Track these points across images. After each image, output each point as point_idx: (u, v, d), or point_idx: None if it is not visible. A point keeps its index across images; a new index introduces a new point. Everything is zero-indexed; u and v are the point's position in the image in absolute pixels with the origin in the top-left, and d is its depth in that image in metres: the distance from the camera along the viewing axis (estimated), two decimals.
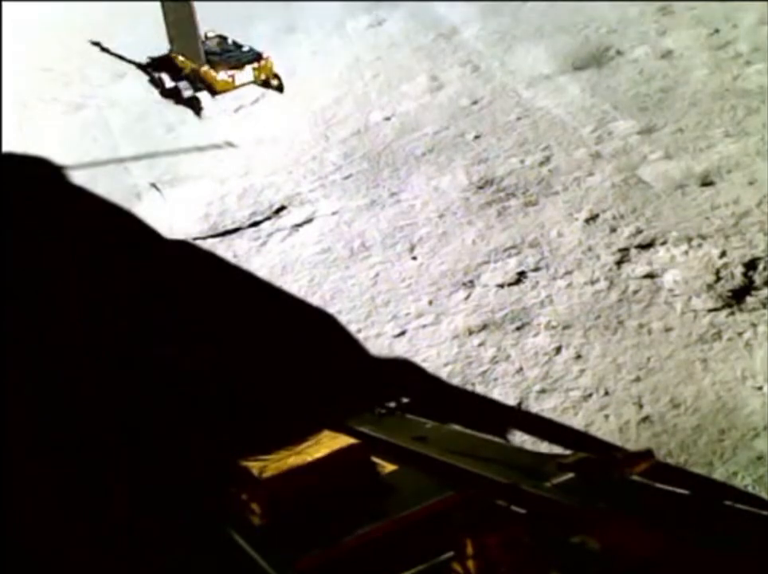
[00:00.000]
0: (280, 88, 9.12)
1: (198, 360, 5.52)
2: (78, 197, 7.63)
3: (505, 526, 2.40)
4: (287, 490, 2.97)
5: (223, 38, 9.35)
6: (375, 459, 3.20)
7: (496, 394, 4.93)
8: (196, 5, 9.67)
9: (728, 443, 4.35)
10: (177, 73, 9.15)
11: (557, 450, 4.26)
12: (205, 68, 8.93)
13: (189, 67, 9.01)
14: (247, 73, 9.01)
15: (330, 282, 6.14)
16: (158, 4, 9.99)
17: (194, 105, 8.92)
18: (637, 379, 4.86)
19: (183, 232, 7.03)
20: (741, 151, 6.78)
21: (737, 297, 5.33)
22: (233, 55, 9.06)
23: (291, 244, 6.65)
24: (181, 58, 9.14)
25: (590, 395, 4.80)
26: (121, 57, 9.89)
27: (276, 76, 9.10)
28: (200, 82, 8.95)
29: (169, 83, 9.12)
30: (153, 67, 9.51)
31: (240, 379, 5.31)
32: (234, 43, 9.27)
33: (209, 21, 9.81)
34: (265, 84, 9.12)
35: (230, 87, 8.95)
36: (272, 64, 9.10)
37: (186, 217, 7.24)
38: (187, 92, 8.96)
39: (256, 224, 7.01)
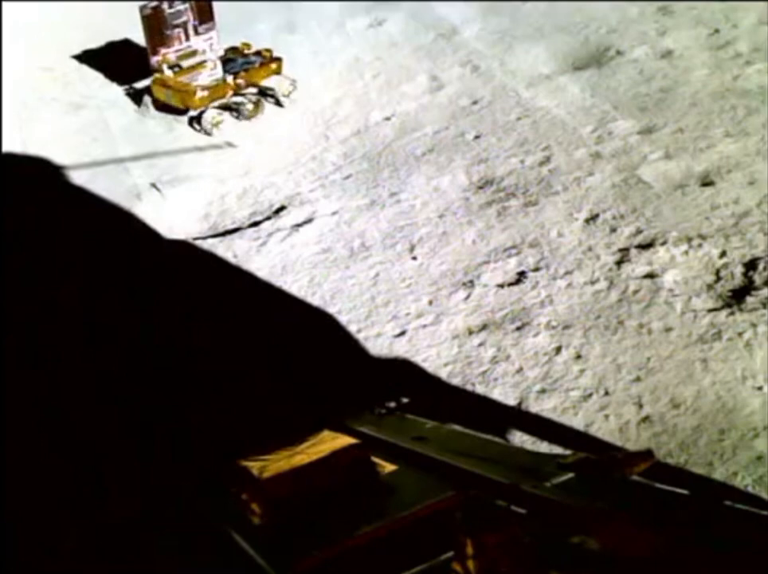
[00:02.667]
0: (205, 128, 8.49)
1: (198, 359, 5.52)
2: (78, 197, 7.63)
3: (505, 526, 2.39)
4: (287, 490, 2.97)
5: (241, 49, 9.13)
6: (375, 459, 3.20)
7: (496, 394, 4.93)
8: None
9: (728, 443, 4.35)
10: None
11: (557, 450, 4.26)
12: (166, 71, 8.76)
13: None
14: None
15: (330, 282, 6.14)
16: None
17: (135, 99, 9.08)
18: (637, 379, 4.86)
19: (183, 232, 7.03)
20: (741, 151, 6.78)
21: (737, 297, 5.33)
22: (212, 71, 8.82)
23: (291, 244, 6.65)
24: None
25: (590, 395, 4.80)
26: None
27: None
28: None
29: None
30: None
31: (239, 379, 5.31)
32: (231, 60, 8.93)
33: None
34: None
35: (162, 98, 8.80)
36: (210, 97, 8.47)
37: (185, 217, 7.24)
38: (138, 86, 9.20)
39: (256, 224, 7.01)
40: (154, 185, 7.74)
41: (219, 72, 8.75)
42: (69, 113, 9.02)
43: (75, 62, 10.00)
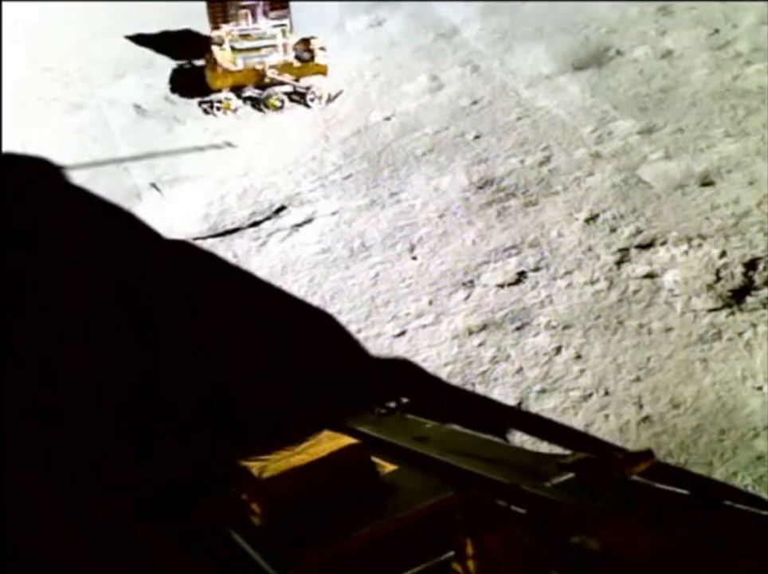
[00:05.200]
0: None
1: (198, 359, 5.52)
2: (78, 197, 7.62)
3: (505, 526, 2.39)
4: (287, 490, 2.97)
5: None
6: (375, 459, 3.20)
7: (496, 394, 4.93)
8: (197, 5, 9.71)
9: (728, 443, 4.35)
10: None
11: (557, 450, 4.26)
12: (226, 47, 8.81)
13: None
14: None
15: (330, 282, 6.13)
16: (157, 4, 10.05)
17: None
18: (637, 379, 4.86)
19: (183, 232, 7.03)
20: (741, 151, 6.78)
21: (737, 297, 5.33)
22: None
23: (291, 244, 6.65)
24: None
25: (590, 395, 4.80)
26: None
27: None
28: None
29: None
30: None
31: (239, 379, 5.31)
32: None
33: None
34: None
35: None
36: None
37: (185, 217, 7.24)
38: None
39: (256, 224, 7.00)
40: (154, 185, 7.74)
41: (289, 58, 8.77)
42: (69, 113, 9.02)
43: (75, 62, 10.00)
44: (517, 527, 2.41)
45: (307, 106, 8.77)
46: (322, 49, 8.87)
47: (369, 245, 6.50)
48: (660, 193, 6.49)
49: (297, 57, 8.86)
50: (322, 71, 8.84)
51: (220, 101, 8.66)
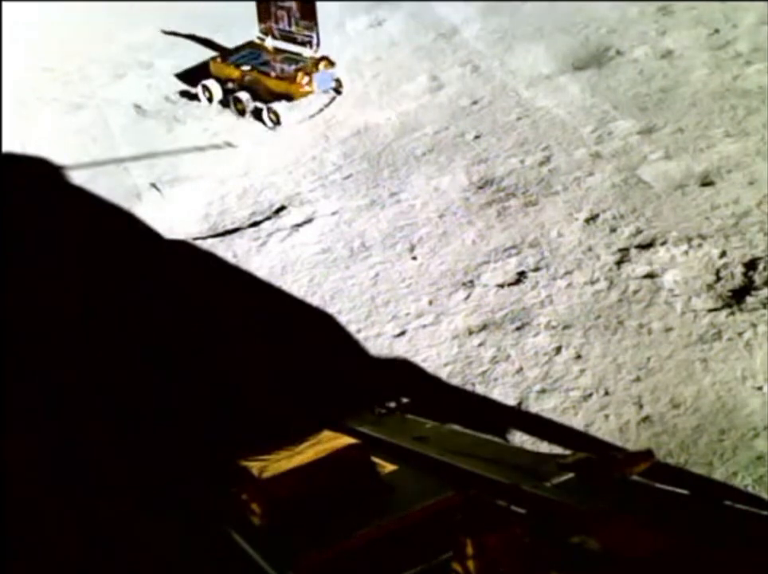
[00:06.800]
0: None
1: (198, 359, 5.52)
2: (78, 197, 7.63)
3: (505, 526, 2.39)
4: (287, 490, 2.97)
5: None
6: (375, 459, 3.20)
7: (496, 394, 4.93)
8: (197, 5, 9.72)
9: (728, 443, 4.35)
10: None
11: (557, 450, 4.26)
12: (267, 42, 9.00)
13: None
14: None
15: (330, 282, 6.14)
16: (158, 4, 10.05)
17: None
18: (637, 379, 4.86)
19: (183, 232, 7.03)
20: (741, 151, 6.78)
21: (737, 297, 5.33)
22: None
23: (291, 244, 6.65)
24: None
25: (590, 395, 4.80)
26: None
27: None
28: None
29: None
30: None
31: (239, 379, 5.31)
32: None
33: (212, 20, 9.87)
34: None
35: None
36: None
37: (186, 217, 7.24)
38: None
39: (256, 224, 7.01)
40: (154, 185, 7.74)
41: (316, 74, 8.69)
42: (69, 113, 9.03)
43: (75, 62, 10.00)
44: (517, 527, 2.41)
45: (264, 123, 8.62)
46: (307, 73, 8.66)
47: (369, 245, 6.50)
48: (660, 193, 6.49)
49: (279, 71, 8.82)
50: (292, 93, 8.58)
51: (206, 87, 8.83)
